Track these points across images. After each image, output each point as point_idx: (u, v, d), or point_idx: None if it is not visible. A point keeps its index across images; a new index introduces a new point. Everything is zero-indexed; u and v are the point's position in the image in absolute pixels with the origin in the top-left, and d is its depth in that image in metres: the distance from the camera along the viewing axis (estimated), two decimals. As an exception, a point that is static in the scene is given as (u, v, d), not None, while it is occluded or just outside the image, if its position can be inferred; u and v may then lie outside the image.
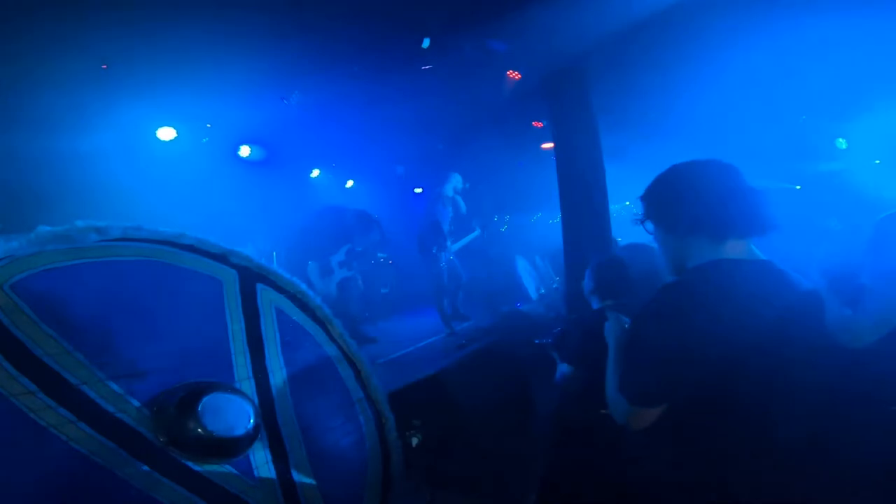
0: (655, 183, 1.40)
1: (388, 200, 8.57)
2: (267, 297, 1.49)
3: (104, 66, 4.81)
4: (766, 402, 1.25)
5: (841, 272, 2.35)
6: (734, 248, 1.32)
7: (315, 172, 7.71)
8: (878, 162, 8.09)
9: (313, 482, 1.33)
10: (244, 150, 6.83)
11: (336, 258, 5.43)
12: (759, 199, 1.32)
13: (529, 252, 7.75)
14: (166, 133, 5.88)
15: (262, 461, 1.24)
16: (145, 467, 1.07)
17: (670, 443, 1.33)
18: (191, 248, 1.41)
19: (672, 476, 1.33)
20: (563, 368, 2.65)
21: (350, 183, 7.39)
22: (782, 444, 1.26)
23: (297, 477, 1.31)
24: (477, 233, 6.92)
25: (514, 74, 6.73)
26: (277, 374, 1.39)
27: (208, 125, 6.40)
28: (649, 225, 1.42)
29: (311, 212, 5.61)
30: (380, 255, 7.95)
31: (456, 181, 5.94)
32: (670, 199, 1.37)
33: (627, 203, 10.52)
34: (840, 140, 8.00)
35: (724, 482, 1.26)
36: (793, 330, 1.25)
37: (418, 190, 9.17)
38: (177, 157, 5.96)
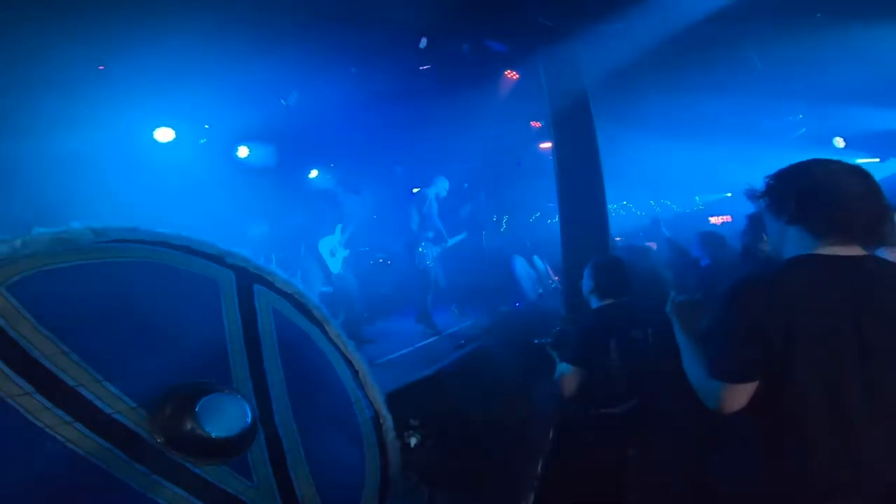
0: (784, 171, 1.44)
1: (387, 200, 8.57)
2: (264, 298, 1.49)
3: (101, 67, 4.80)
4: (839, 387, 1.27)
5: None
6: (835, 246, 1.34)
7: (314, 173, 7.71)
8: (877, 160, 8.11)
9: (311, 482, 1.33)
10: (242, 151, 6.83)
11: (336, 237, 5.51)
12: (879, 209, 1.33)
13: (527, 252, 7.75)
14: (164, 134, 5.88)
15: (259, 462, 1.24)
16: (142, 468, 1.06)
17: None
18: (187, 249, 1.41)
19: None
20: (562, 367, 2.66)
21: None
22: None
23: (295, 477, 1.30)
24: (463, 235, 6.94)
25: (512, 74, 6.74)
26: (275, 375, 1.39)
27: (206, 126, 6.39)
28: (763, 203, 1.47)
29: (303, 204, 5.68)
30: (378, 255, 7.95)
31: (441, 186, 5.96)
32: (787, 190, 1.41)
33: (626, 202, 10.53)
34: (837, 139, 8.02)
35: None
36: (872, 322, 1.27)
37: (416, 190, 9.17)
38: (175, 158, 5.95)
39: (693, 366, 1.50)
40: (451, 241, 6.48)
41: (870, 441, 1.26)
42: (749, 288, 1.37)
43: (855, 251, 1.34)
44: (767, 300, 1.30)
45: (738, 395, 1.34)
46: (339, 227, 5.61)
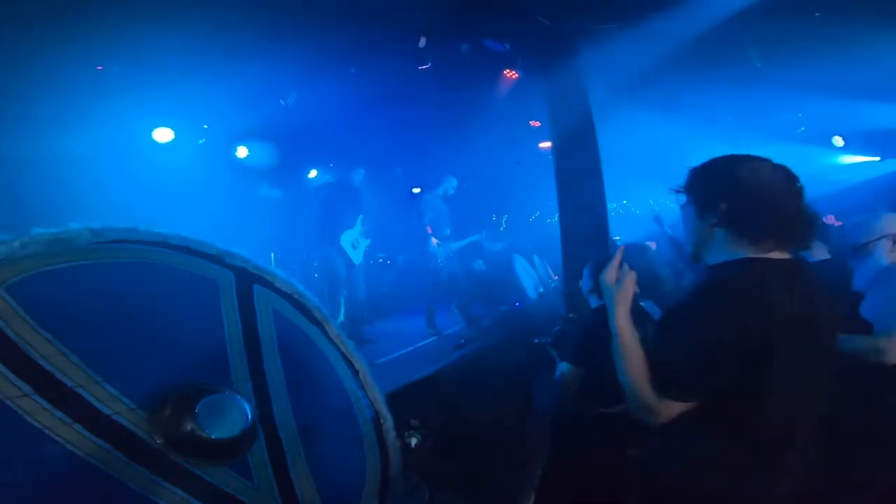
0: (709, 166, 1.38)
1: (387, 200, 8.56)
2: (264, 298, 1.48)
3: (99, 68, 4.80)
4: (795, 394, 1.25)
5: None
6: (767, 249, 1.31)
7: (313, 173, 7.71)
8: (878, 159, 8.11)
9: (311, 483, 1.32)
10: (241, 151, 6.82)
11: (357, 230, 5.52)
12: (808, 213, 1.30)
13: (527, 251, 7.74)
14: (163, 134, 5.87)
15: (259, 462, 1.24)
16: (142, 469, 1.06)
17: (705, 435, 1.30)
18: (186, 250, 1.41)
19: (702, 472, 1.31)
20: (562, 367, 2.65)
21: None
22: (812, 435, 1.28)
23: (295, 478, 1.30)
24: (482, 235, 6.92)
25: (511, 74, 6.74)
26: (275, 376, 1.39)
27: (205, 126, 6.39)
28: (683, 199, 1.40)
29: (321, 194, 5.67)
30: (379, 255, 7.95)
31: (449, 184, 5.94)
32: (715, 189, 1.34)
33: (625, 202, 10.52)
34: (835, 137, 8.03)
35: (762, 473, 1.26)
36: (820, 327, 1.27)
37: (416, 190, 9.16)
38: (174, 158, 5.95)
39: (627, 365, 1.36)
40: (466, 241, 6.44)
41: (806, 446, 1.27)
42: (710, 296, 1.29)
43: (787, 255, 1.31)
44: (731, 308, 1.22)
45: (679, 410, 1.26)
46: (360, 219, 5.60)
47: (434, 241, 5.76)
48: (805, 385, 1.26)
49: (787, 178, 1.32)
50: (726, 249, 1.33)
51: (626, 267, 1.46)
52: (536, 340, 2.97)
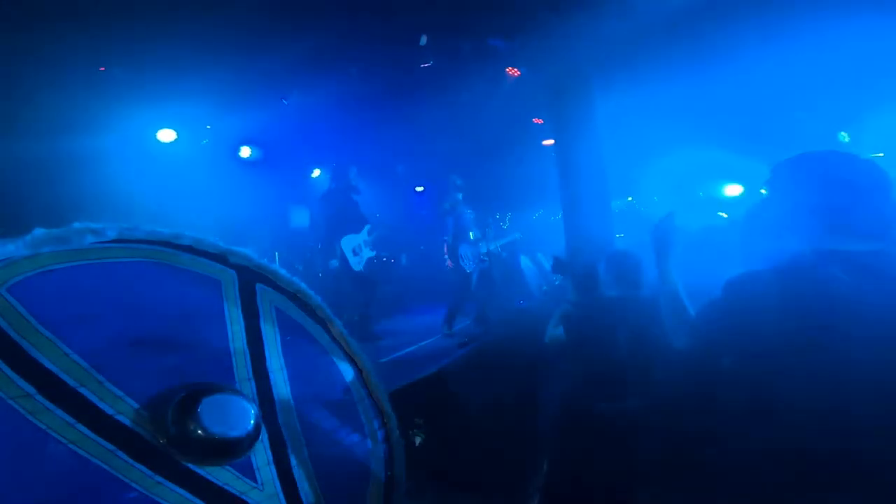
0: (803, 157, 1.40)
1: (389, 200, 8.57)
2: (267, 297, 1.48)
3: (102, 69, 4.81)
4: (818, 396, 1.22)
5: None
6: (846, 243, 1.30)
7: (316, 172, 7.71)
8: (881, 155, 8.06)
9: (315, 482, 1.32)
10: (244, 151, 6.84)
11: (361, 237, 5.46)
12: (891, 211, 1.30)
13: (531, 249, 7.73)
14: (166, 135, 5.89)
15: (263, 462, 1.24)
16: (145, 470, 1.06)
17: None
18: (189, 249, 1.40)
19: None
20: (557, 332, 2.68)
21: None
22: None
23: (299, 477, 1.30)
24: (518, 235, 6.87)
25: (513, 71, 6.72)
26: (278, 375, 1.38)
27: (208, 127, 6.40)
28: (769, 189, 1.43)
29: (330, 200, 5.63)
30: (382, 254, 7.94)
31: (454, 185, 5.88)
32: (805, 177, 1.37)
33: (630, 199, 10.49)
34: (842, 134, 7.97)
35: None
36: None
37: (419, 188, 9.16)
38: (177, 158, 5.96)
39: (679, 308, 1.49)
40: (502, 241, 6.37)
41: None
42: (781, 282, 1.29)
43: (869, 247, 1.30)
44: (777, 297, 1.25)
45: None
46: (366, 228, 5.56)
47: (445, 249, 5.72)
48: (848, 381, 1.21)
49: (875, 172, 1.33)
50: (809, 240, 1.34)
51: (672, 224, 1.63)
52: (522, 303, 2.97)
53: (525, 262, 7.34)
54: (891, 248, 1.33)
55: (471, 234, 5.82)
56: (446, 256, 5.71)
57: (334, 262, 5.39)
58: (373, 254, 5.65)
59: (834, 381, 1.22)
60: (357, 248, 5.44)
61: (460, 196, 5.86)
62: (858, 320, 1.20)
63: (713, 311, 1.41)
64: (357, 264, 5.43)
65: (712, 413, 1.45)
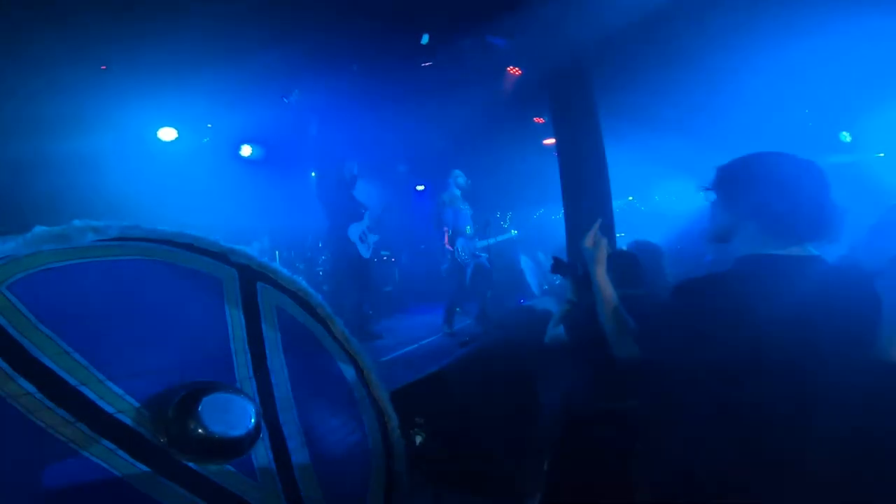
0: (739, 161, 1.40)
1: (391, 198, 8.55)
2: (268, 296, 1.48)
3: (103, 67, 4.80)
4: (779, 403, 1.23)
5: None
6: (788, 245, 1.31)
7: (314, 173, 7.70)
8: (881, 155, 8.04)
9: (316, 482, 1.32)
10: (245, 150, 6.83)
11: (364, 224, 5.51)
12: (832, 208, 1.30)
13: (532, 248, 7.72)
14: (167, 133, 5.88)
15: (263, 461, 1.23)
16: (146, 469, 1.06)
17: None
18: (190, 247, 1.40)
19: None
20: (558, 331, 2.69)
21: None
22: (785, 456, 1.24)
23: (300, 477, 1.29)
24: (514, 234, 6.85)
25: (514, 70, 6.71)
26: (279, 374, 1.38)
27: (209, 125, 6.39)
28: (712, 195, 1.44)
29: (329, 192, 5.64)
30: (383, 252, 7.94)
31: (455, 181, 5.88)
32: (743, 182, 1.37)
33: (630, 198, 10.48)
34: (844, 133, 7.96)
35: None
36: (825, 333, 1.23)
37: (420, 187, 9.15)
38: (178, 157, 5.96)
39: (606, 316, 1.57)
40: (494, 239, 6.35)
41: (813, 453, 1.23)
42: (700, 290, 1.34)
43: (806, 251, 1.31)
44: (721, 303, 1.26)
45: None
46: (366, 214, 5.58)
47: (446, 239, 5.71)
48: (793, 383, 1.23)
49: (813, 173, 1.32)
50: (750, 243, 1.35)
51: (600, 234, 1.71)
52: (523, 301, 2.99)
53: (525, 260, 7.34)
54: (836, 252, 1.38)
55: (467, 228, 5.82)
56: (448, 247, 5.71)
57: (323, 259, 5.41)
58: (377, 237, 5.68)
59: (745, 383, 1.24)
60: (363, 235, 5.47)
61: (459, 192, 5.86)
62: (766, 328, 1.21)
63: (664, 317, 1.43)
64: (366, 251, 5.46)
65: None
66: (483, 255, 5.88)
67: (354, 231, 5.42)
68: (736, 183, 1.38)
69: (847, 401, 1.23)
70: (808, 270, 1.29)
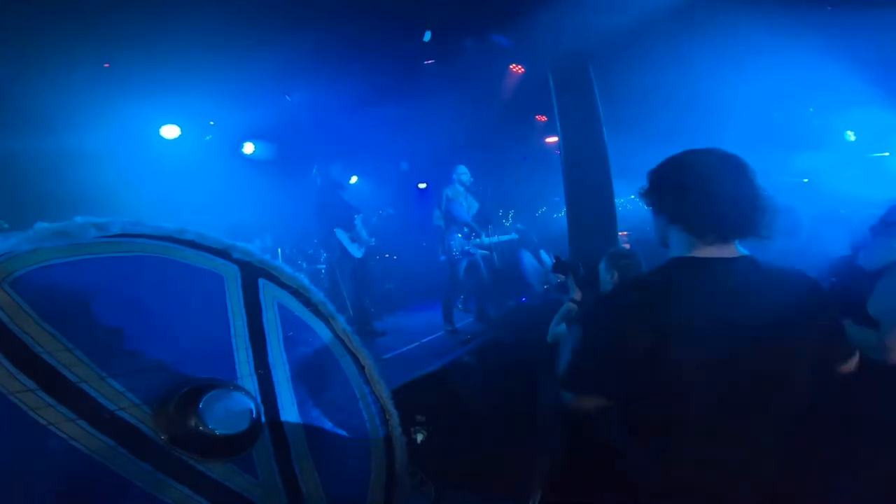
0: (660, 166, 1.39)
1: (393, 196, 8.55)
2: (269, 293, 1.47)
3: (106, 65, 4.80)
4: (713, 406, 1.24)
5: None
6: (712, 246, 1.29)
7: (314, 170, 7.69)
8: (886, 154, 8.01)
9: (317, 479, 1.32)
10: (248, 147, 6.83)
11: (355, 226, 5.51)
12: (754, 202, 1.27)
13: (534, 246, 7.71)
14: (170, 131, 5.89)
15: (264, 458, 1.23)
16: (146, 466, 1.06)
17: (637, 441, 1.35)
18: (191, 244, 1.40)
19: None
20: (559, 329, 2.70)
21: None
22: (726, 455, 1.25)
23: (301, 473, 1.29)
24: (514, 236, 6.82)
25: (517, 68, 6.69)
26: (280, 371, 1.38)
27: (211, 123, 6.40)
28: (646, 203, 1.42)
29: (316, 195, 5.63)
30: (384, 251, 7.94)
31: (458, 177, 5.85)
32: (663, 187, 1.36)
33: (633, 196, 10.45)
34: (848, 133, 7.93)
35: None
36: (762, 331, 1.23)
37: (422, 185, 9.14)
38: (181, 154, 5.96)
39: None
40: (495, 239, 6.32)
41: (736, 448, 1.25)
42: (621, 297, 1.36)
43: (731, 251, 1.30)
44: (640, 309, 1.25)
45: (593, 405, 1.34)
46: (358, 218, 5.56)
47: (446, 233, 5.69)
48: (721, 383, 1.22)
49: (732, 168, 1.29)
50: (679, 245, 1.34)
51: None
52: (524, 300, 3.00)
53: (528, 258, 7.32)
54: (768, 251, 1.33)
55: (465, 225, 5.81)
56: (456, 236, 5.69)
57: (326, 256, 5.40)
58: (372, 241, 5.66)
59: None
60: (354, 236, 5.45)
61: (462, 189, 5.84)
62: (680, 330, 1.21)
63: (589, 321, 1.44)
64: (357, 251, 5.44)
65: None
66: (478, 251, 5.87)
67: (342, 233, 5.40)
68: (658, 189, 1.37)
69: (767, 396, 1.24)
70: (729, 271, 1.28)
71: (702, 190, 1.28)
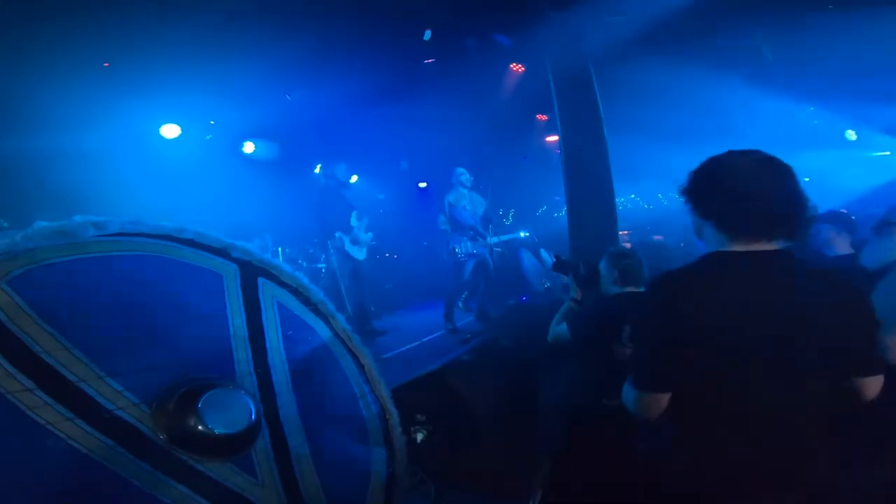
0: (700, 165, 1.44)
1: (393, 196, 8.54)
2: (268, 292, 1.47)
3: (106, 65, 4.80)
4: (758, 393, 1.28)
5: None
6: (744, 242, 1.34)
7: (317, 169, 7.69)
8: (888, 153, 8.01)
9: (316, 478, 1.31)
10: (248, 147, 6.83)
11: (355, 226, 5.47)
12: (788, 203, 1.31)
13: (535, 245, 7.70)
14: (170, 130, 5.88)
15: (263, 458, 1.23)
16: (145, 465, 1.05)
17: (678, 432, 1.38)
18: (191, 243, 1.40)
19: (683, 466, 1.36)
20: (560, 329, 2.71)
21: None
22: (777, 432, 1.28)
23: (300, 473, 1.29)
24: (518, 235, 6.80)
25: (517, 67, 6.69)
26: (279, 370, 1.37)
27: (212, 122, 6.39)
28: (684, 200, 1.47)
29: (318, 194, 5.61)
30: (384, 250, 7.93)
31: (458, 179, 5.83)
32: (699, 183, 1.41)
33: (633, 196, 10.45)
34: (849, 132, 7.94)
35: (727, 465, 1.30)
36: (788, 320, 1.27)
37: (422, 185, 9.14)
38: (181, 154, 5.96)
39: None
40: (502, 238, 6.29)
41: (779, 441, 1.28)
42: (661, 290, 1.39)
43: (768, 246, 1.33)
44: (680, 302, 1.30)
45: (655, 404, 1.35)
46: (353, 214, 5.54)
47: (451, 235, 5.68)
48: (764, 377, 1.27)
49: (771, 169, 1.33)
50: (714, 242, 1.39)
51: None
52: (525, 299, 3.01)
53: (528, 257, 7.31)
54: (797, 246, 1.37)
55: (467, 227, 5.79)
56: (463, 240, 5.68)
57: (325, 261, 5.38)
58: (370, 236, 5.64)
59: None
60: (354, 238, 5.43)
61: (464, 191, 5.82)
62: (719, 322, 1.27)
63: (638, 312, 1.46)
64: (358, 253, 5.43)
65: None
66: (483, 251, 5.84)
67: (343, 236, 5.39)
68: (696, 187, 1.42)
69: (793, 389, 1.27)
70: (767, 265, 1.32)
71: (733, 188, 1.33)
